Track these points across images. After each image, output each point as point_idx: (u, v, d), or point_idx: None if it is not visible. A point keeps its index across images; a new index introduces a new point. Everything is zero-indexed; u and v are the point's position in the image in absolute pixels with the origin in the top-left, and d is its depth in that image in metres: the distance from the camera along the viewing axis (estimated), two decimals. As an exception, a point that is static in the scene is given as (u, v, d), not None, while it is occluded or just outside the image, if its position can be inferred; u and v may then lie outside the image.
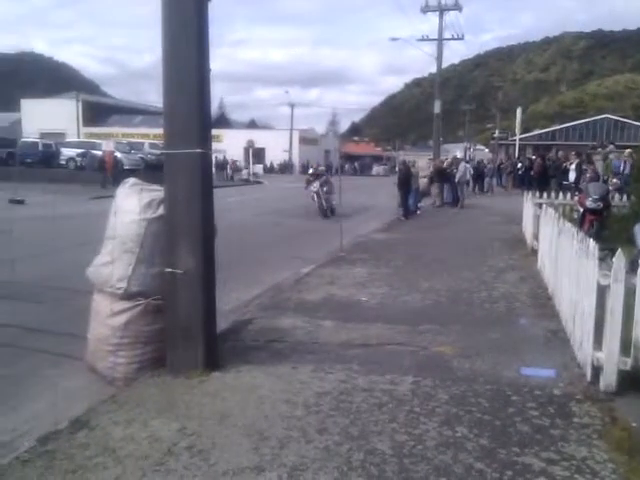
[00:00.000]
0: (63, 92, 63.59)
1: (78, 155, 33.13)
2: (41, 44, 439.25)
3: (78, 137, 47.12)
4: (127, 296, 4.48)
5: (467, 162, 27.48)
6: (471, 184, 26.69)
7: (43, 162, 32.63)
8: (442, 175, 20.88)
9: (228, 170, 43.88)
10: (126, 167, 29.50)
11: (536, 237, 9.80)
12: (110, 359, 4.48)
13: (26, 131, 50.05)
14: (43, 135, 42.91)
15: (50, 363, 4.91)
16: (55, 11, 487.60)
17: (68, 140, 39.82)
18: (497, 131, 48.77)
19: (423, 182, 20.58)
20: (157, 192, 4.65)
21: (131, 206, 4.60)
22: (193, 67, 4.34)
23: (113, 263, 4.53)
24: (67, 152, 34.30)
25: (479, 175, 28.70)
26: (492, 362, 4.76)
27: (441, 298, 7.03)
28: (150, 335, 4.54)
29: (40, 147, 34.24)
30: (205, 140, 4.44)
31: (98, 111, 58.05)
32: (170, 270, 4.40)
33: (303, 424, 3.59)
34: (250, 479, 2.96)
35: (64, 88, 75.09)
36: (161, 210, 4.53)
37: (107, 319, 4.52)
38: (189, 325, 4.42)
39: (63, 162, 33.79)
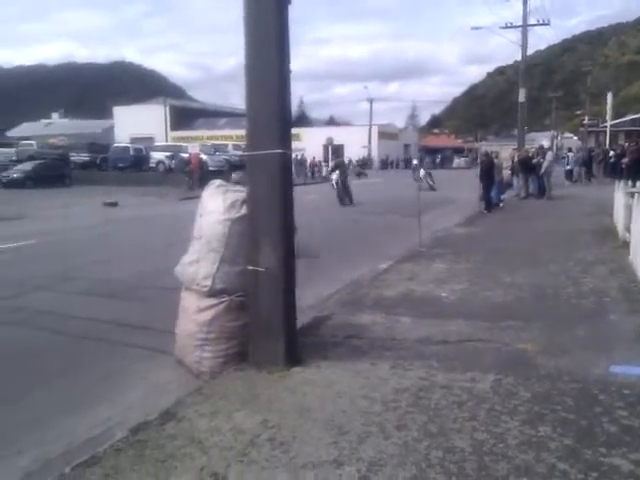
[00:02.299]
0: (152, 98, 66.64)
1: (167, 158, 34.67)
2: (131, 53, 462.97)
3: (166, 141, 49.27)
4: (212, 293, 4.68)
5: (570, 151, 28.07)
6: (575, 172, 27.04)
7: (134, 166, 34.40)
8: (527, 165, 20.16)
9: (308, 168, 44.33)
10: (211, 168, 30.58)
11: (628, 229, 9.29)
12: (197, 353, 4.70)
13: (118, 137, 52.99)
14: (133, 140, 45.22)
15: (141, 357, 5.23)
16: (144, 20, 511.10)
17: (157, 144, 41.70)
18: (586, 118, 46.38)
19: (506, 173, 19.99)
20: (240, 192, 4.81)
21: (216, 206, 4.79)
22: (274, 69, 4.45)
23: (199, 262, 4.75)
24: (156, 156, 35.98)
25: (585, 162, 27.85)
26: (578, 360, 4.59)
27: (524, 294, 6.84)
28: (234, 331, 4.73)
29: (131, 152, 36.13)
30: (285, 140, 4.55)
31: (185, 115, 60.44)
32: (252, 268, 4.55)
33: (381, 420, 3.62)
34: (329, 473, 3.03)
35: (153, 94, 78.70)
36: (244, 210, 4.69)
37: (194, 315, 4.75)
38: (270, 321, 4.55)
39: (153, 165, 35.47)
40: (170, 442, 3.45)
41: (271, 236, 4.49)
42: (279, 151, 4.42)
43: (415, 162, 34.54)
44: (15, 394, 4.48)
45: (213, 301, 4.66)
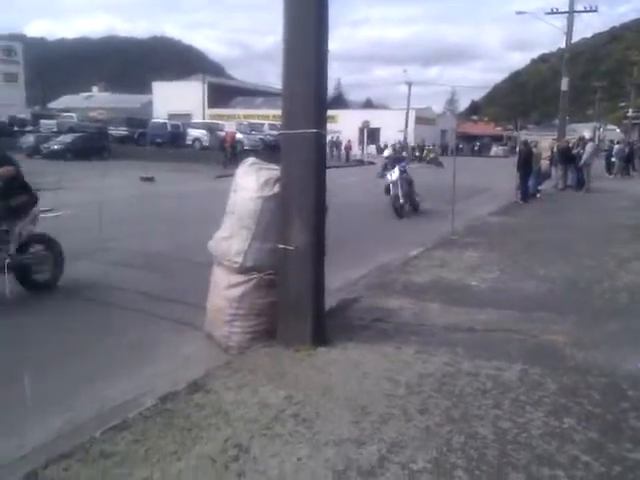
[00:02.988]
0: (191, 75, 66.98)
1: (203, 135, 34.95)
2: (171, 28, 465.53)
3: (203, 118, 49.59)
4: (243, 270, 4.74)
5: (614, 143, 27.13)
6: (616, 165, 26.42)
7: (171, 142, 34.74)
8: (566, 156, 19.72)
9: (342, 151, 44.09)
10: (246, 147, 30.73)
11: (669, 225, 9.06)
12: (226, 328, 4.79)
13: (156, 112, 53.50)
14: (171, 116, 45.56)
15: (172, 330, 5.35)
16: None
17: (194, 121, 42.00)
18: (630, 110, 45.02)
19: (545, 164, 19.59)
20: (274, 171, 4.85)
21: (249, 184, 4.84)
22: (312, 49, 4.45)
23: (232, 238, 4.82)
24: (193, 133, 36.28)
25: (625, 156, 27.22)
26: (609, 354, 4.53)
27: (557, 286, 6.74)
28: (263, 308, 4.79)
29: (169, 128, 36.45)
30: (321, 121, 4.57)
31: (222, 93, 60.56)
32: (283, 246, 4.59)
33: (404, 403, 3.65)
34: (351, 450, 3.08)
35: (192, 71, 79.06)
36: (277, 188, 4.72)
37: (224, 291, 4.83)
38: (299, 300, 4.60)
39: (189, 142, 35.78)
40: (197, 412, 3.54)
41: (302, 215, 4.52)
42: (314, 131, 4.43)
43: (386, 154, 22.51)
44: (52, 360, 4.63)
45: (244, 277, 4.73)
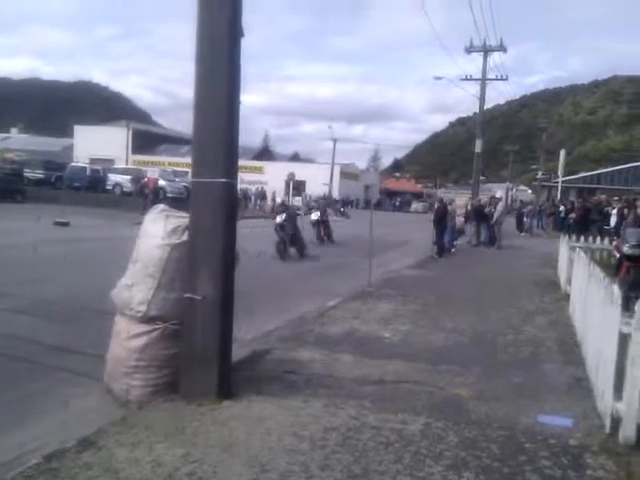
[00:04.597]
0: (115, 120, 65.95)
1: (125, 180, 34.15)
2: (99, 74, 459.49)
3: (127, 164, 48.63)
4: (146, 319, 4.56)
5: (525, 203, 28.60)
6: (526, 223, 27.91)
7: (90, 187, 33.70)
8: (479, 214, 20.69)
9: (269, 202, 44.28)
10: (169, 195, 30.21)
11: (570, 281, 9.57)
12: (125, 381, 4.55)
13: (78, 157, 51.99)
14: (93, 161, 44.36)
15: (69, 382, 5.02)
16: (112, 43, 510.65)
17: (115, 166, 41.11)
18: (540, 172, 48.11)
19: (460, 220, 20.44)
20: (183, 219, 4.76)
21: (156, 231, 4.72)
22: (223, 100, 4.47)
23: (135, 286, 4.64)
24: (114, 178, 35.39)
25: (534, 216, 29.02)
26: (509, 407, 4.63)
27: (465, 338, 6.91)
28: (166, 359, 4.60)
29: (88, 172, 35.38)
30: (230, 170, 4.54)
31: (148, 139, 59.85)
32: (189, 296, 4.47)
33: (306, 459, 3.55)
34: (245, 510, 2.94)
35: (117, 116, 77.89)
36: (185, 236, 4.63)
37: (125, 341, 4.61)
38: (205, 352, 4.46)
39: (109, 187, 34.85)
40: (84, 471, 3.30)
41: (210, 264, 4.43)
42: (224, 180, 4.40)
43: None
44: None
45: (146, 327, 4.55)
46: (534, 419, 4.39)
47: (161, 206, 5.04)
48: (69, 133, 64.33)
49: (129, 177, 34.03)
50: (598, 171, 53.75)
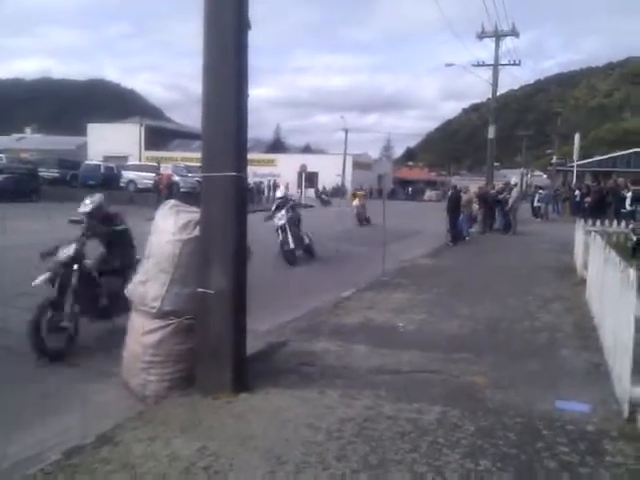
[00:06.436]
0: (128, 117, 66.27)
1: (139, 177, 34.31)
2: (112, 72, 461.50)
3: (140, 160, 48.86)
4: (160, 315, 4.59)
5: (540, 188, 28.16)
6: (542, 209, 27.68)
7: (104, 184, 33.81)
8: (486, 200, 20.50)
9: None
10: (182, 189, 30.31)
11: (586, 266, 9.47)
12: (142, 376, 4.59)
13: (91, 154, 52.38)
14: (107, 158, 44.60)
15: (89, 379, 5.08)
16: (125, 41, 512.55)
17: (129, 163, 41.29)
18: (555, 157, 47.69)
19: (475, 208, 20.29)
20: (194, 214, 4.77)
21: (168, 227, 4.74)
22: (230, 95, 4.45)
23: (149, 282, 4.67)
24: (127, 175, 35.56)
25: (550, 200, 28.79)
26: (526, 394, 4.60)
27: (480, 326, 6.87)
28: (181, 354, 4.63)
29: (102, 170, 35.56)
30: (240, 164, 4.54)
31: (160, 135, 60.09)
32: (202, 290, 4.48)
33: (322, 450, 3.56)
34: (262, 502, 2.96)
35: (130, 113, 78.28)
36: (197, 231, 4.64)
37: (140, 337, 4.65)
38: (219, 346, 4.47)
39: (123, 184, 35.04)
40: (103, 467, 3.34)
41: (222, 259, 4.44)
42: (234, 174, 4.40)
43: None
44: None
45: (160, 323, 4.57)
46: (551, 405, 4.36)
47: (172, 201, 5.06)
48: (83, 131, 64.77)
49: (151, 175, 33.98)
50: (614, 154, 52.90)
